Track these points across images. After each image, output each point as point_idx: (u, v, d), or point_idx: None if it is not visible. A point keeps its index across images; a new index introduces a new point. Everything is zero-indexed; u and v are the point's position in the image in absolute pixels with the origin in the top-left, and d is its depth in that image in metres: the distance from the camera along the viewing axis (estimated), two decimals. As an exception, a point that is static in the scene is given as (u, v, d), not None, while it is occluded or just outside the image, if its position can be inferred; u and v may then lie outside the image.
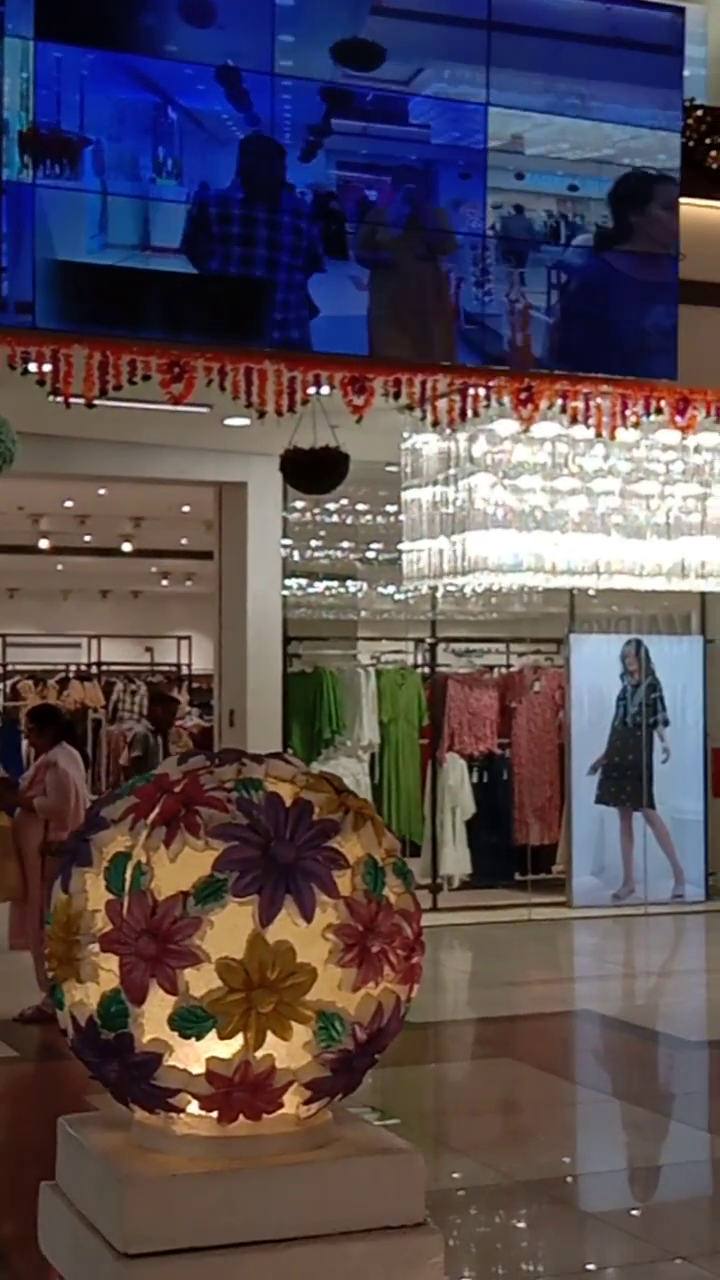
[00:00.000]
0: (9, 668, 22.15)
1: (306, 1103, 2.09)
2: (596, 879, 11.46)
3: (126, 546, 20.22)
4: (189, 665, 24.24)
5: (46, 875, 7.35)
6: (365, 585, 12.14)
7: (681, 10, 8.89)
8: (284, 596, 11.43)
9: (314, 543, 11.80)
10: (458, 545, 9.76)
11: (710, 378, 9.05)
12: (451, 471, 9.80)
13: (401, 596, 11.70)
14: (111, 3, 7.56)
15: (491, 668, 12.42)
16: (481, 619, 12.51)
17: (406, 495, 10.22)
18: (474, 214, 8.22)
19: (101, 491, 15.11)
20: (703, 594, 11.56)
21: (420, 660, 12.20)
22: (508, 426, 9.33)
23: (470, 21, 8.17)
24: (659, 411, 8.96)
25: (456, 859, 11.51)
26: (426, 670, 11.91)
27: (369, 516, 11.82)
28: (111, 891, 2.06)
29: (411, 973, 2.14)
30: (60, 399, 7.61)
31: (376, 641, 12.44)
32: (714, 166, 9.38)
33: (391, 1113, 5.87)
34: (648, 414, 8.93)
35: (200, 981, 1.99)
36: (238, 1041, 2.00)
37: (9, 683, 20.55)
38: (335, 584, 12.00)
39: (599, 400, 8.74)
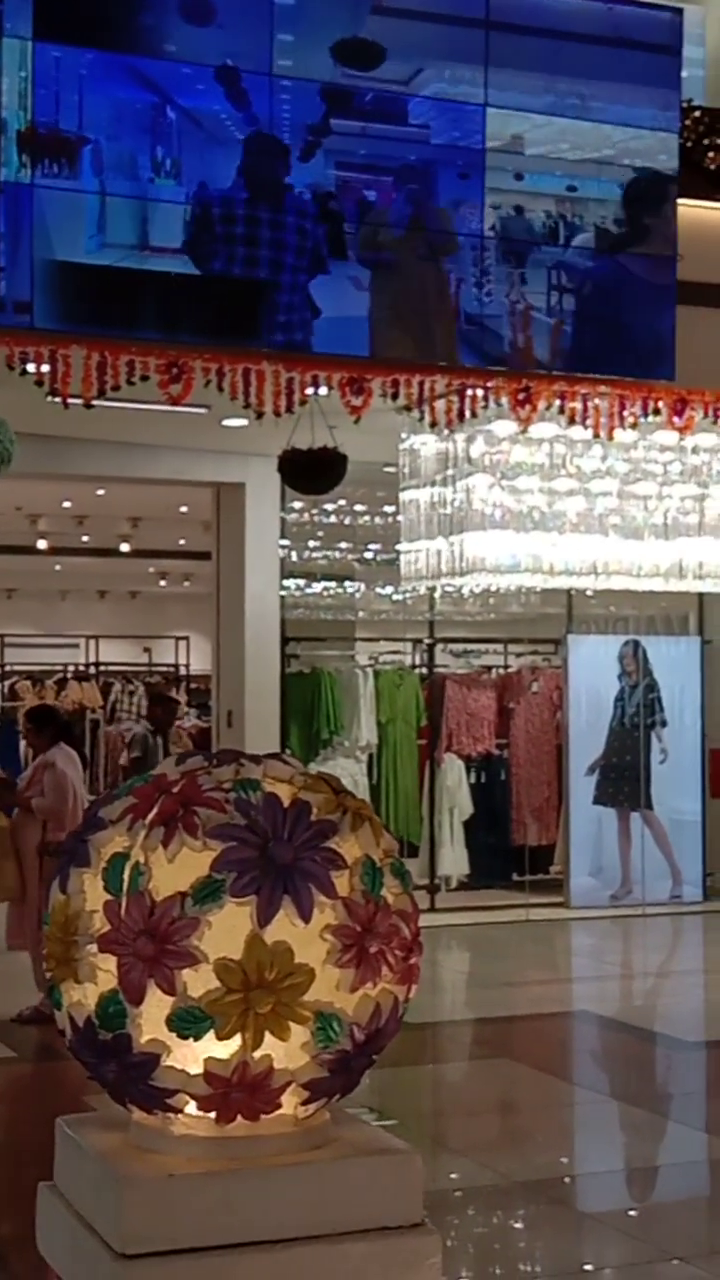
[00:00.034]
0: (7, 668, 22.13)
1: (304, 1103, 2.09)
2: (594, 880, 11.47)
3: (124, 547, 20.22)
4: (187, 666, 24.23)
5: (44, 875, 7.35)
6: (363, 586, 12.14)
7: (680, 11, 8.89)
8: (282, 597, 11.43)
9: (312, 543, 11.79)
10: (455, 546, 9.76)
11: (708, 378, 9.05)
12: (449, 472, 9.80)
13: (399, 597, 11.70)
14: (111, 2, 7.56)
15: (489, 668, 12.42)
16: (479, 619, 12.51)
17: (404, 496, 10.22)
18: (473, 214, 8.22)
19: (100, 492, 15.11)
20: (700, 595, 11.57)
21: (418, 661, 12.20)
22: (506, 427, 9.33)
23: (469, 21, 8.17)
24: (656, 412, 8.96)
25: (454, 859, 11.51)
26: (424, 671, 11.91)
27: (367, 517, 11.82)
28: (109, 892, 2.06)
29: (409, 973, 2.14)
30: (58, 399, 7.61)
31: (374, 642, 12.44)
32: (712, 167, 9.38)
33: (389, 1113, 5.87)
34: (645, 415, 8.93)
35: (198, 982, 1.99)
36: (236, 1042, 2.00)
37: (7, 683, 20.53)
38: (333, 584, 12.00)
39: (597, 401, 8.75)
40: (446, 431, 9.40)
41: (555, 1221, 5.03)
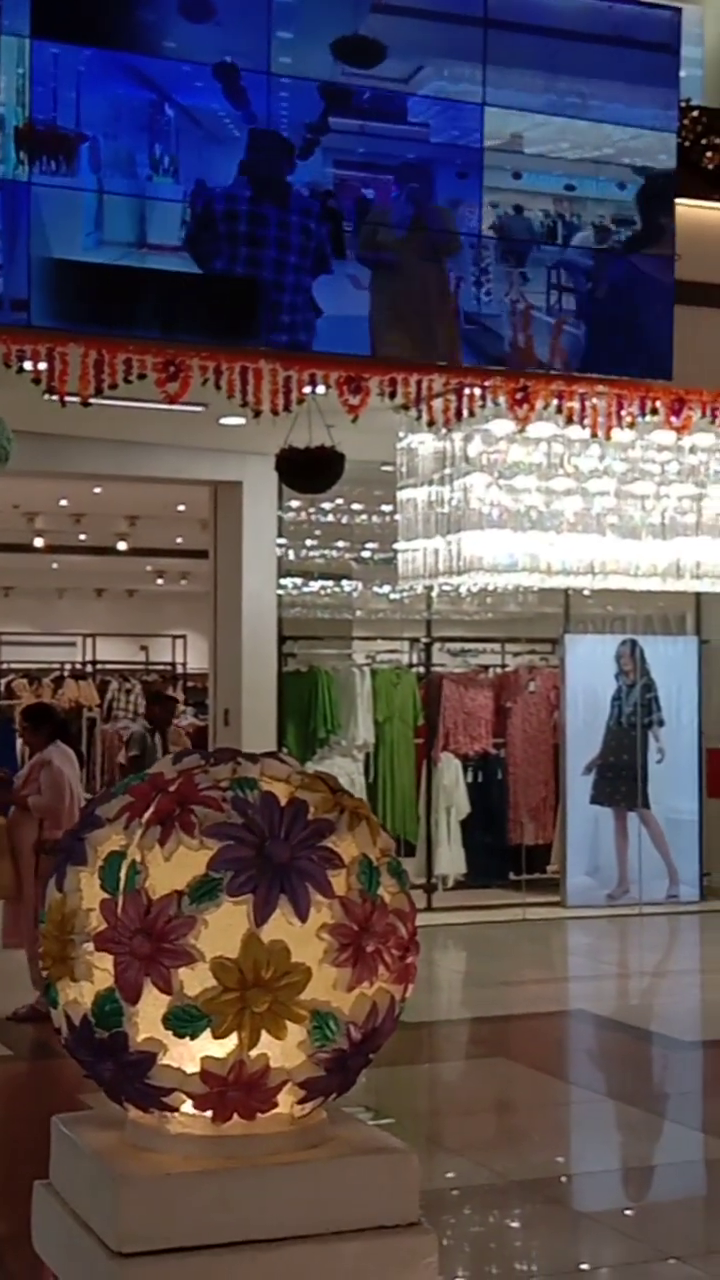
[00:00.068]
0: (3, 666, 22.13)
1: (301, 1102, 2.09)
2: (591, 879, 11.47)
3: (122, 545, 20.22)
4: (184, 664, 24.23)
5: (41, 874, 7.34)
6: (360, 585, 12.14)
7: (678, 10, 8.89)
8: (279, 596, 11.43)
9: (309, 542, 11.79)
10: (453, 545, 9.76)
11: (705, 378, 9.05)
12: (447, 471, 9.80)
13: (397, 596, 11.70)
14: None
15: (486, 667, 12.42)
16: (477, 619, 12.52)
17: (402, 495, 10.22)
18: (472, 213, 8.21)
19: (97, 490, 15.10)
20: (698, 594, 11.57)
21: (415, 660, 12.20)
22: (503, 426, 9.33)
23: (467, 19, 8.16)
24: (654, 412, 8.96)
25: (451, 859, 11.51)
26: (421, 670, 11.91)
27: (364, 516, 11.82)
28: (106, 890, 2.06)
29: (406, 972, 2.14)
30: (56, 397, 7.60)
31: (372, 641, 12.44)
32: (710, 167, 9.38)
33: (386, 1112, 5.87)
34: (643, 414, 8.93)
35: (195, 981, 1.99)
36: (232, 1041, 2.00)
37: (3, 681, 20.51)
38: (330, 583, 12.00)
39: (594, 400, 8.75)
40: (444, 430, 9.39)
41: (551, 1221, 5.03)
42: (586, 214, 8.58)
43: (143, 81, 7.55)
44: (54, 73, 7.30)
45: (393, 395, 8.25)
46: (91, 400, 7.66)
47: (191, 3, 7.61)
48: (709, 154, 9.33)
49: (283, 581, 11.49)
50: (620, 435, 9.27)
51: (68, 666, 22.25)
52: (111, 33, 7.50)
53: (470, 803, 11.60)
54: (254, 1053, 2.01)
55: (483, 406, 8.61)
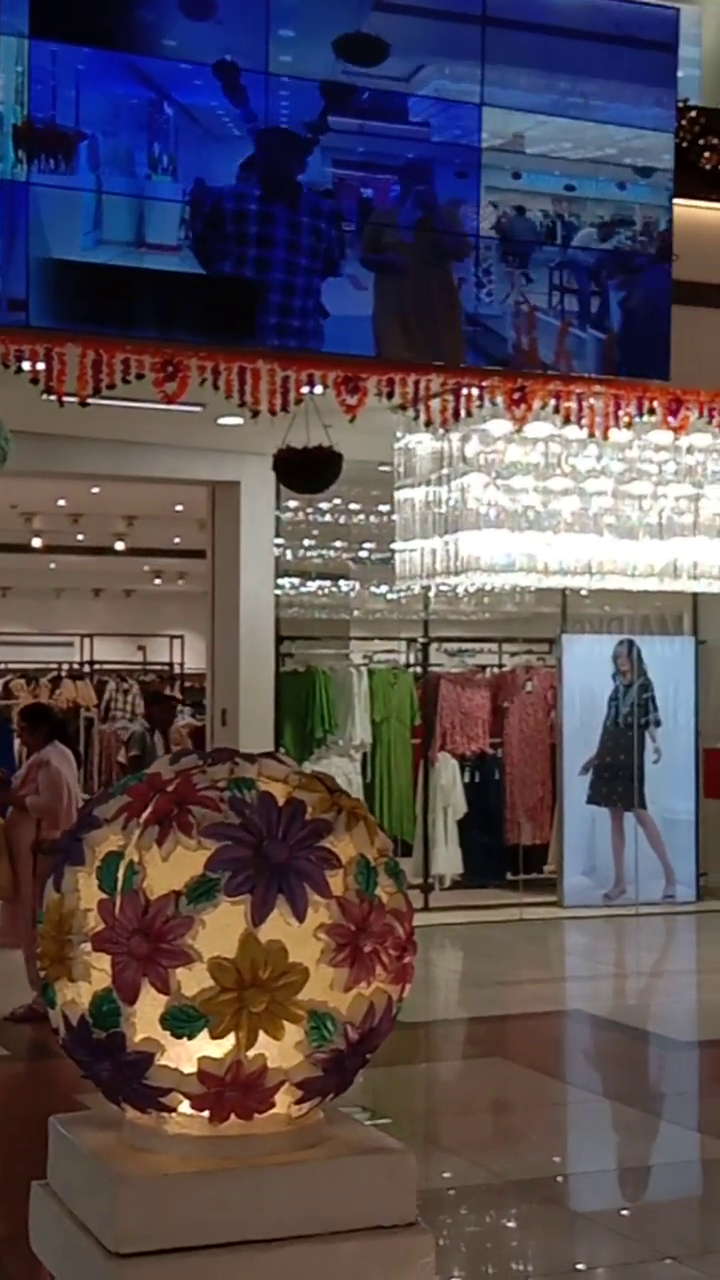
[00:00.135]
0: (1, 666, 22.11)
1: (298, 1102, 2.09)
2: (588, 879, 11.47)
3: (119, 545, 20.21)
4: (181, 664, 24.22)
5: (39, 874, 7.34)
6: (358, 585, 12.14)
7: (677, 10, 8.89)
8: (277, 596, 11.43)
9: (307, 542, 11.80)
10: (450, 545, 9.76)
11: (703, 378, 9.06)
12: (444, 471, 9.80)
13: (394, 596, 11.70)
14: (109, -1, 7.53)
15: (484, 667, 12.42)
16: (474, 619, 12.52)
17: (399, 495, 10.22)
18: (471, 214, 8.21)
19: (94, 490, 15.09)
20: (695, 594, 11.58)
21: (412, 660, 12.21)
22: (501, 427, 9.33)
23: (466, 17, 8.14)
24: (651, 412, 8.96)
25: (448, 859, 11.51)
26: (419, 670, 11.92)
27: (362, 516, 11.82)
28: (104, 891, 2.06)
29: (403, 972, 2.15)
30: (54, 397, 7.60)
31: (369, 641, 12.44)
32: (707, 167, 9.38)
33: (383, 1112, 5.87)
34: (640, 415, 8.93)
35: (192, 981, 1.99)
36: (229, 1041, 2.00)
37: (1, 681, 20.52)
38: (328, 583, 12.01)
39: (592, 401, 8.75)
40: (442, 431, 9.39)
41: (548, 1221, 5.03)
42: (586, 214, 8.58)
43: (142, 80, 7.54)
44: (53, 70, 7.29)
45: (390, 395, 8.25)
46: (89, 400, 7.66)
47: (192, 0, 7.59)
48: (707, 154, 9.33)
49: (280, 581, 11.49)
50: (618, 435, 9.27)
51: (65, 667, 22.24)
52: (111, 32, 7.49)
53: (467, 803, 11.60)
54: (251, 1053, 2.01)
55: (480, 407, 8.61)
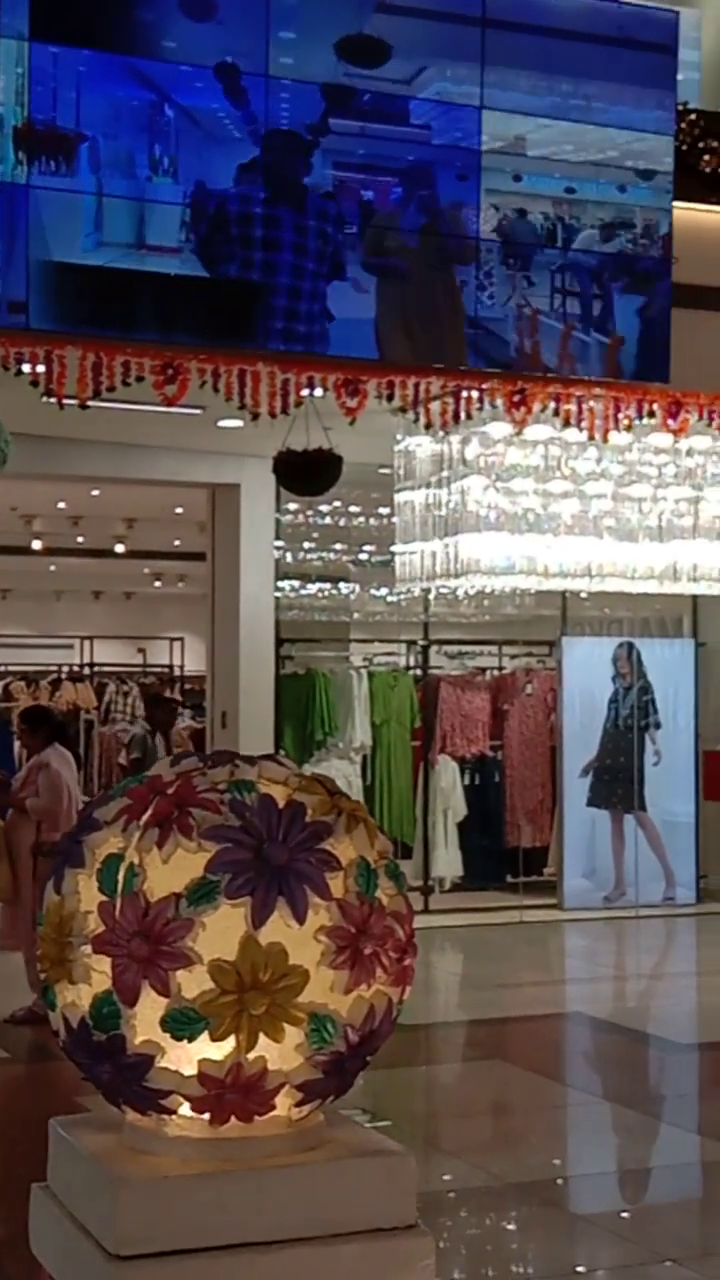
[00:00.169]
0: (1, 669, 22.11)
1: (298, 1105, 2.09)
2: (588, 881, 11.47)
3: (119, 548, 20.21)
4: (181, 667, 24.21)
5: (39, 876, 7.34)
6: (358, 587, 12.14)
7: (676, 13, 8.90)
8: (276, 598, 11.43)
9: (307, 545, 11.80)
10: (450, 547, 9.76)
11: (702, 381, 9.06)
12: (444, 474, 9.81)
13: (394, 598, 11.71)
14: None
15: (483, 670, 12.42)
16: (474, 621, 12.52)
17: (399, 497, 10.23)
18: (472, 216, 8.21)
19: (94, 493, 15.10)
20: (694, 597, 11.58)
21: (412, 662, 12.21)
22: (500, 429, 9.33)
23: (466, 19, 8.14)
24: (651, 415, 8.97)
25: (448, 861, 11.51)
26: (419, 672, 11.92)
27: (362, 519, 11.83)
28: (104, 893, 2.06)
29: (404, 975, 2.15)
30: (54, 400, 7.60)
31: (369, 643, 12.44)
32: (706, 170, 9.39)
33: (383, 1115, 5.87)
34: (640, 417, 8.94)
35: (192, 983, 1.99)
36: (230, 1043, 2.00)
37: (1, 684, 20.51)
38: (328, 586, 12.01)
39: (591, 403, 8.76)
40: (441, 433, 9.40)
41: (548, 1223, 5.03)
42: (586, 217, 8.58)
43: (142, 81, 7.54)
44: (53, 72, 7.29)
45: (390, 398, 8.25)
46: (89, 403, 7.66)
47: (193, 1, 7.59)
48: (706, 157, 9.34)
49: (280, 584, 11.49)
50: (617, 438, 9.28)
51: (65, 669, 22.23)
52: (111, 33, 7.49)
53: (467, 805, 11.60)
54: (252, 1055, 2.01)
55: (480, 409, 8.61)
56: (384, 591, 11.79)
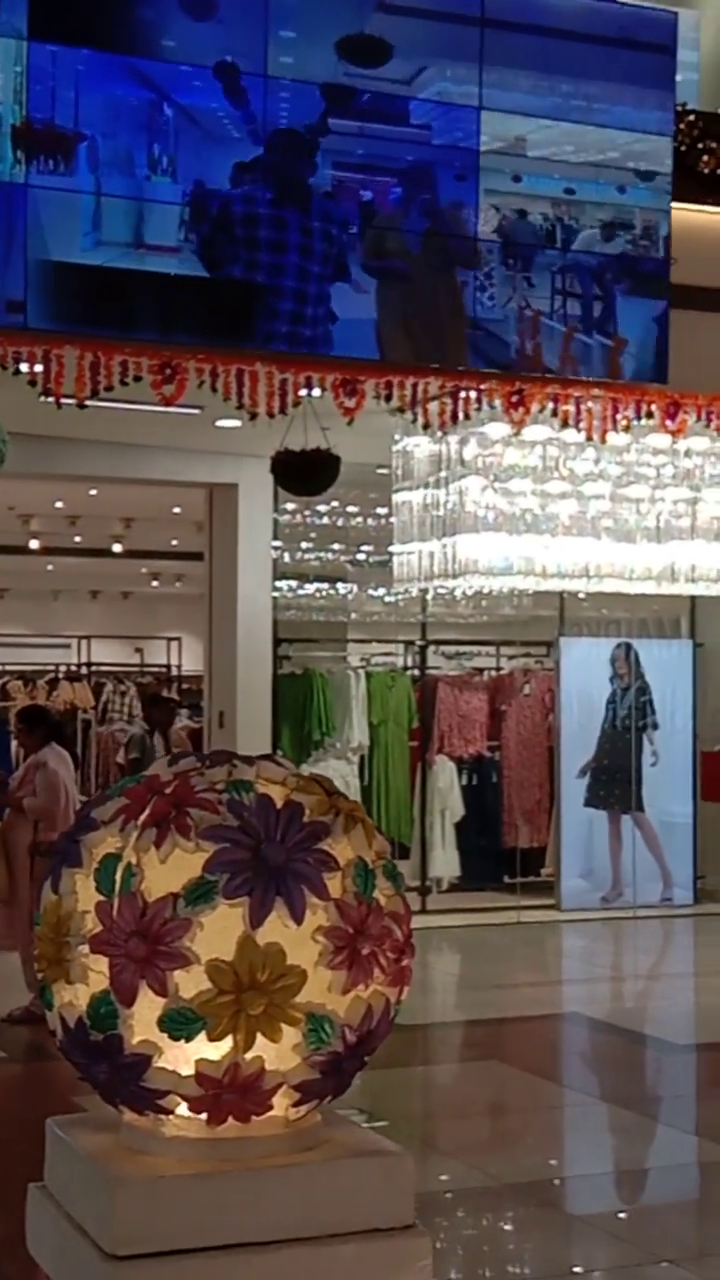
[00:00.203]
0: (-2, 668, 22.09)
1: (296, 1105, 2.09)
2: (585, 882, 11.47)
3: (117, 547, 20.21)
4: (179, 666, 24.20)
5: (36, 876, 7.34)
6: (355, 587, 12.14)
7: (675, 14, 8.90)
8: (274, 598, 11.43)
9: (304, 545, 11.80)
10: (448, 548, 9.76)
11: (701, 382, 9.06)
12: (442, 474, 9.81)
13: (392, 599, 11.70)
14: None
15: (481, 670, 12.42)
16: (472, 622, 12.52)
17: (397, 498, 10.22)
18: (470, 217, 8.20)
19: (92, 492, 15.09)
20: (692, 598, 11.58)
21: (410, 662, 12.20)
22: (499, 430, 9.33)
23: (464, 19, 8.13)
24: (649, 416, 8.97)
25: (445, 861, 11.51)
26: (416, 673, 11.92)
27: (359, 519, 11.82)
28: (101, 893, 2.06)
29: (401, 975, 2.14)
30: (51, 399, 7.60)
31: (366, 644, 12.44)
32: (705, 171, 9.39)
33: (380, 1115, 5.86)
34: (638, 418, 8.94)
35: (190, 983, 1.99)
36: (227, 1043, 2.00)
37: (-2, 683, 20.49)
38: (325, 586, 12.00)
39: (590, 404, 8.76)
40: (439, 434, 9.40)
41: (545, 1224, 5.03)
42: (585, 218, 8.57)
43: (142, 80, 7.54)
44: (52, 71, 7.29)
45: (388, 398, 8.25)
46: (87, 402, 7.66)
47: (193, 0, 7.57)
48: (705, 158, 9.34)
49: (278, 584, 11.49)
50: (616, 439, 9.28)
51: (62, 668, 22.21)
52: (110, 32, 7.48)
53: (465, 805, 11.60)
54: (249, 1055, 2.01)
55: (478, 409, 8.61)
56: (382, 592, 11.79)
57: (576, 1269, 4.73)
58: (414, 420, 8.73)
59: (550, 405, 8.65)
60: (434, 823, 11.45)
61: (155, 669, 24.03)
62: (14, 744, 13.31)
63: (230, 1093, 2.02)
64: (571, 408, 8.71)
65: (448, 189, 8.17)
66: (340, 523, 11.83)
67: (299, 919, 2.01)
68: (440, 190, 8.16)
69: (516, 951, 10.26)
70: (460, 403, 8.49)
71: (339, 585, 12.08)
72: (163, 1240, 1.99)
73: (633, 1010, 8.87)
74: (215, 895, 1.99)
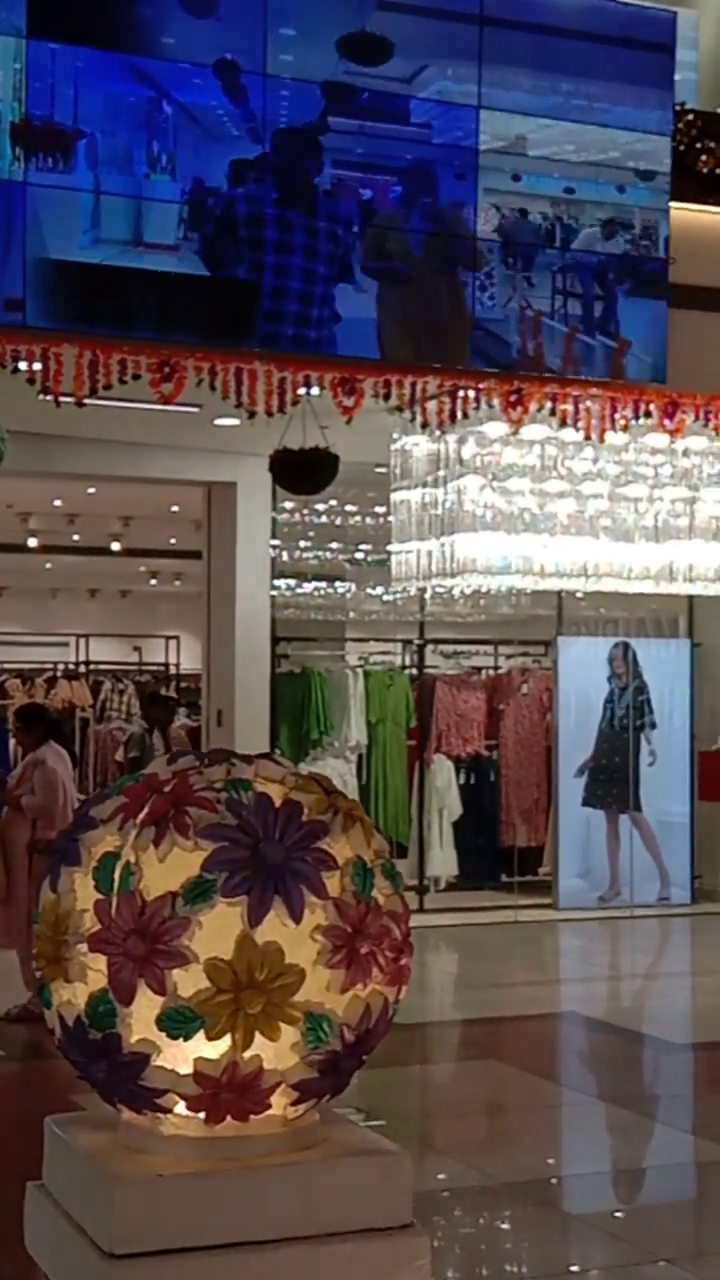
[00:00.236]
0: (-4, 666, 22.07)
1: (294, 1104, 2.09)
2: (582, 881, 11.48)
3: (115, 546, 20.19)
4: (177, 665, 24.20)
5: (34, 874, 7.33)
6: (354, 586, 12.14)
7: (674, 13, 8.90)
8: (272, 597, 11.43)
9: (303, 543, 11.79)
10: (446, 547, 9.76)
11: (699, 381, 9.06)
12: (441, 473, 9.80)
13: (390, 598, 11.70)
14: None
15: (479, 669, 12.43)
16: (470, 621, 12.52)
17: (395, 497, 10.22)
18: (472, 216, 8.19)
19: (90, 490, 15.08)
20: (690, 597, 11.58)
21: (408, 661, 12.21)
22: (497, 429, 9.33)
23: (463, 17, 8.12)
24: (648, 415, 8.97)
25: (443, 860, 11.51)
26: (414, 671, 11.92)
27: (358, 517, 11.82)
28: (100, 891, 2.06)
29: (400, 974, 2.14)
30: (50, 398, 7.59)
31: (365, 642, 12.44)
32: (704, 170, 9.39)
33: (377, 1114, 5.86)
34: (636, 417, 8.94)
35: (188, 982, 1.99)
36: (225, 1042, 2.00)
37: (-4, 681, 20.47)
38: (324, 585, 12.00)
39: (588, 403, 8.76)
40: (438, 433, 9.40)
41: (542, 1223, 5.03)
42: (585, 217, 8.57)
43: (141, 78, 7.53)
44: (51, 68, 7.28)
45: (387, 397, 8.25)
46: (86, 400, 7.65)
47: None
48: (704, 157, 9.34)
49: (276, 583, 11.48)
50: (614, 438, 9.27)
51: (61, 667, 22.20)
52: (110, 30, 7.47)
53: (462, 804, 11.60)
54: (247, 1054, 2.01)
55: (476, 409, 8.61)
56: (380, 590, 11.78)
57: (574, 1268, 4.73)
58: (412, 419, 8.73)
59: (548, 404, 8.65)
60: (432, 822, 11.45)
61: (153, 667, 24.03)
62: (12, 742, 13.29)
63: (228, 1091, 2.02)
64: (570, 407, 8.71)
65: (448, 188, 8.17)
66: (338, 521, 11.82)
67: (297, 918, 2.01)
68: (441, 191, 8.15)
69: (514, 951, 10.26)
70: (458, 402, 8.49)
71: (337, 584, 12.08)
72: (161, 1239, 1.99)
73: (630, 1009, 8.88)
74: (214, 894, 1.99)
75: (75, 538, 19.70)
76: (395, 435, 9.87)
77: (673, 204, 8.81)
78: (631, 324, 8.63)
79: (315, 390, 8.07)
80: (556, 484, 9.88)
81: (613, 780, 11.42)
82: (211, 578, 11.69)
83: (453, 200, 8.19)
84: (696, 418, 9.16)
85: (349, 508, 11.72)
